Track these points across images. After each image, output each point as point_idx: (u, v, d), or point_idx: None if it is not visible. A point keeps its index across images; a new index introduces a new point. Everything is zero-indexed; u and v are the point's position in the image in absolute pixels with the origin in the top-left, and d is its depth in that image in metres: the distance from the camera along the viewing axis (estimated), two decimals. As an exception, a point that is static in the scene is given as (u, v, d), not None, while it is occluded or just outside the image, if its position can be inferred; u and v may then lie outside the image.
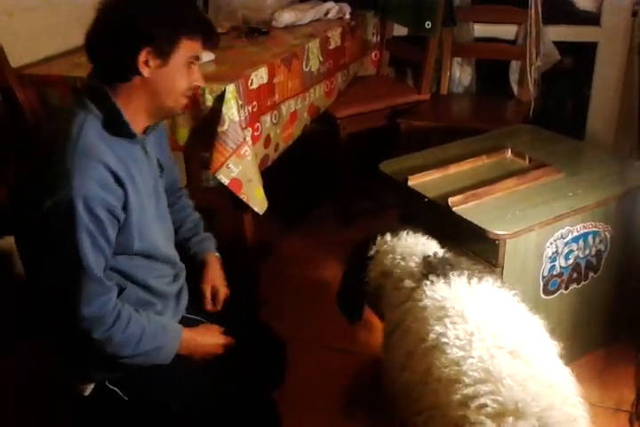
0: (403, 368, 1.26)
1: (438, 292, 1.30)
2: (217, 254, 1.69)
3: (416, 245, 1.52)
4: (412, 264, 1.45)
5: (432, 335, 1.20)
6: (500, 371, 1.07)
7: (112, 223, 1.25)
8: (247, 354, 1.52)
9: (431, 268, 1.39)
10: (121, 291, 1.34)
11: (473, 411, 1.01)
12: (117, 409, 1.41)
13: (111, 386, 1.40)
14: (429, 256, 1.46)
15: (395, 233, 1.57)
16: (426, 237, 1.56)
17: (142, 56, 1.25)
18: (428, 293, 1.31)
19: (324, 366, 2.10)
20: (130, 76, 1.28)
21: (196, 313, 1.58)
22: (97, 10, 1.28)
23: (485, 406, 1.01)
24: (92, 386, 1.41)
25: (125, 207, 1.27)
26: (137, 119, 1.33)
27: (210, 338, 1.49)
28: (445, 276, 1.33)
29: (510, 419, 0.98)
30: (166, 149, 1.58)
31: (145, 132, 1.38)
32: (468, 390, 1.05)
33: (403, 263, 1.47)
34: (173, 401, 1.39)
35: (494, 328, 1.18)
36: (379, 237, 1.57)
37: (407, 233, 1.56)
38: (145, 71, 1.27)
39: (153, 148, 1.45)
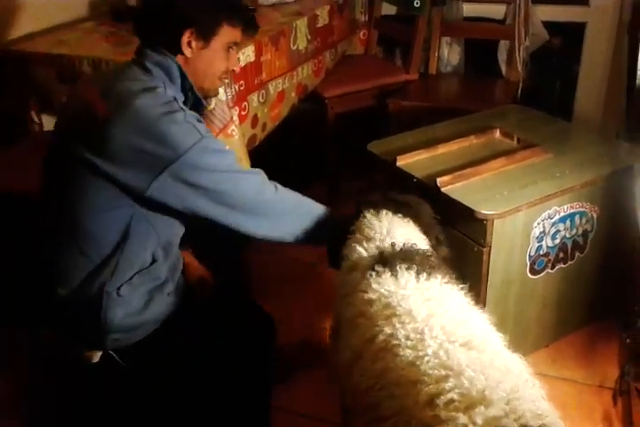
0: (350, 372, 1.20)
1: (384, 285, 1.24)
2: (189, 249, 1.70)
3: (391, 228, 1.41)
4: (370, 251, 1.36)
5: (381, 337, 1.15)
6: (459, 364, 1.04)
7: None
8: (237, 331, 1.52)
9: (382, 258, 1.31)
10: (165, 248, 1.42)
11: (442, 409, 0.98)
12: (118, 376, 1.43)
13: (111, 352, 1.41)
14: (382, 246, 1.36)
15: (380, 209, 1.46)
16: (407, 220, 1.45)
17: (186, 37, 1.35)
18: (374, 285, 1.24)
19: (315, 345, 2.11)
20: (173, 55, 1.37)
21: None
22: None
23: (453, 401, 0.98)
24: (100, 353, 1.42)
25: None
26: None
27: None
28: (393, 268, 1.26)
29: (481, 408, 0.95)
30: None
31: None
32: (432, 389, 1.01)
33: (360, 248, 1.37)
34: (167, 375, 1.42)
35: (443, 324, 1.14)
36: (368, 210, 1.46)
37: (389, 213, 1.44)
38: (187, 51, 1.37)
39: None
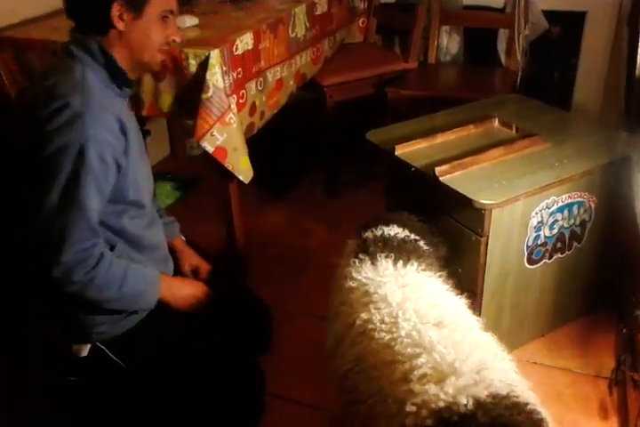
0: (332, 356, 1.26)
1: (362, 273, 1.29)
2: (182, 238, 1.70)
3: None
4: (356, 241, 1.42)
5: (358, 322, 1.21)
6: (431, 341, 1.09)
7: (114, 170, 1.28)
8: (233, 320, 1.52)
9: (364, 246, 1.37)
10: (111, 248, 1.35)
11: (416, 383, 1.02)
12: (108, 370, 1.42)
13: (100, 345, 1.41)
14: (366, 231, 1.42)
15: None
16: (402, 228, 1.49)
17: (115, 10, 1.29)
18: (354, 273, 1.30)
19: (310, 333, 2.11)
20: (105, 30, 1.32)
21: None
22: None
23: (425, 375, 1.03)
24: (88, 347, 1.41)
25: (126, 154, 1.31)
26: None
27: (190, 287, 1.51)
28: (373, 257, 1.32)
29: (452, 379, 1.00)
30: None
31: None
32: (405, 366, 1.07)
33: (350, 241, 1.45)
34: (159, 366, 1.41)
35: (416, 307, 1.19)
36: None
37: (382, 227, 1.49)
38: (120, 25, 1.31)
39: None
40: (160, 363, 1.42)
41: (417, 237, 1.47)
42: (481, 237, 1.70)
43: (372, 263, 1.31)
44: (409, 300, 1.21)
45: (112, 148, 1.26)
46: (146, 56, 1.37)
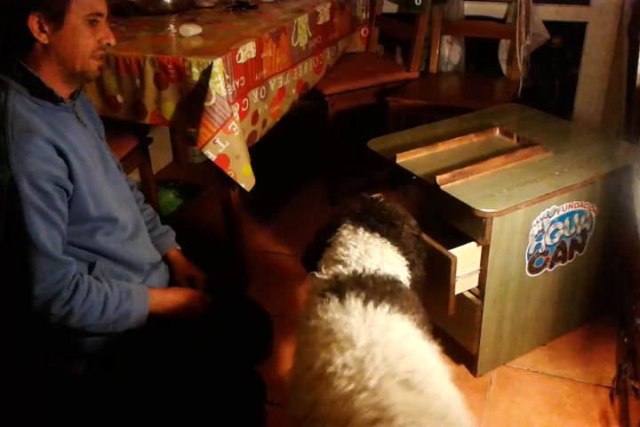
0: (288, 401, 1.16)
1: (328, 312, 1.20)
2: (178, 247, 1.67)
3: (365, 252, 1.35)
4: (328, 276, 1.32)
5: (317, 364, 1.10)
6: (394, 407, 0.97)
7: (61, 195, 1.24)
8: (233, 328, 1.52)
9: (334, 285, 1.27)
10: (91, 266, 1.34)
11: None
12: (105, 387, 1.41)
13: (95, 362, 1.40)
14: (338, 275, 1.31)
15: (359, 225, 1.40)
16: (384, 241, 1.38)
17: (33, 22, 1.21)
18: (319, 312, 1.21)
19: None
20: (30, 45, 1.24)
21: None
22: None
23: None
24: (83, 365, 1.40)
25: (71, 176, 1.26)
26: (55, 87, 1.29)
27: (181, 296, 1.47)
28: (342, 295, 1.22)
29: None
30: (99, 122, 1.53)
31: (71, 98, 1.35)
32: None
33: (318, 275, 1.34)
34: (157, 376, 1.40)
35: (385, 354, 1.08)
36: (346, 225, 1.41)
37: (366, 233, 1.39)
38: (42, 37, 1.23)
39: (85, 118, 1.42)
40: (157, 374, 1.40)
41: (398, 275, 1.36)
42: (482, 245, 1.70)
43: (340, 302, 1.21)
44: (377, 344, 1.10)
45: (47, 175, 1.19)
46: (78, 66, 1.29)
